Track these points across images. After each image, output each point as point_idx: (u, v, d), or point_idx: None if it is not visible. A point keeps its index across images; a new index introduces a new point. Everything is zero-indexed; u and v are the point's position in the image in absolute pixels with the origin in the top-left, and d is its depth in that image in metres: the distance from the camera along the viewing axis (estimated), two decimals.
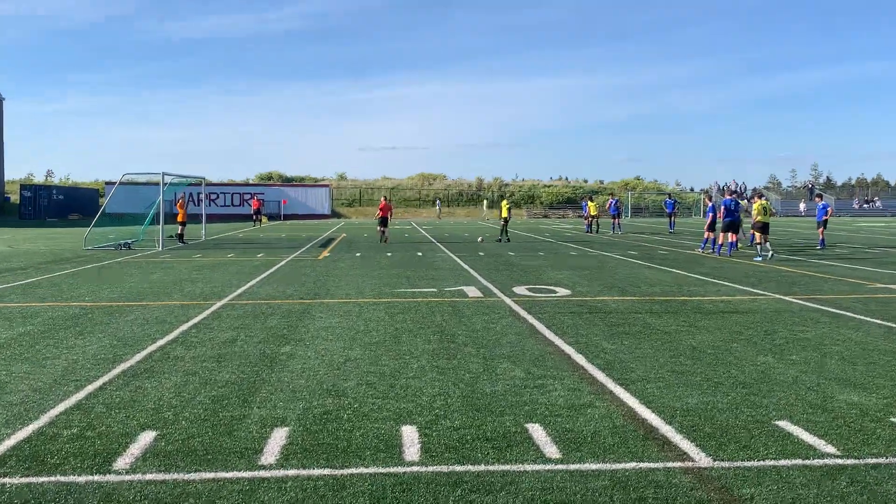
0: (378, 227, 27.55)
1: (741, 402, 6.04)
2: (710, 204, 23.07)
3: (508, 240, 27.75)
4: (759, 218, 20.34)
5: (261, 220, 47.85)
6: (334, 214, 67.30)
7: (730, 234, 21.01)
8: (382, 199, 28.80)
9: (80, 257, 20.44)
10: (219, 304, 11.47)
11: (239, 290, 13.09)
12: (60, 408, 5.88)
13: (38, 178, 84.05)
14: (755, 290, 13.13)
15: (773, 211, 54.43)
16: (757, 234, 20.40)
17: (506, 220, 27.85)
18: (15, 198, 63.51)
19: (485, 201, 68.38)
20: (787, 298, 12.14)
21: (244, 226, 45.43)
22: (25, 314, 10.45)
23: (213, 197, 64.10)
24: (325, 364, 7.37)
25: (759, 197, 21.56)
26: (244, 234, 34.91)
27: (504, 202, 28.38)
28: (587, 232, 35.25)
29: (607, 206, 38.62)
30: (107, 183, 67.97)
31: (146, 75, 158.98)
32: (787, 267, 17.64)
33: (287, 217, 62.09)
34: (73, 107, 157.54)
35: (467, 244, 26.65)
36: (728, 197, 21.62)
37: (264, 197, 61.21)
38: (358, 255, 21.50)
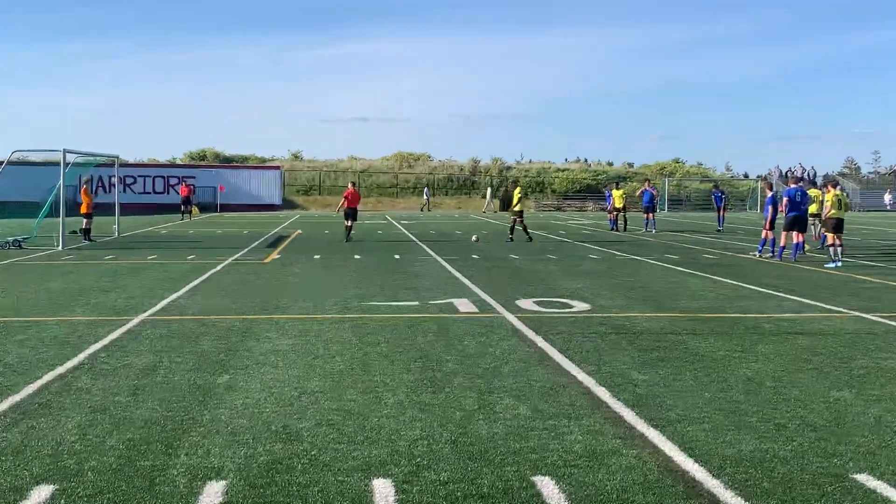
0: (346, 222, 27.56)
1: (809, 450, 6.07)
2: (769, 195, 23.18)
3: (511, 238, 27.79)
4: (832, 213, 20.40)
5: (191, 212, 47.76)
6: (287, 205, 67.14)
7: (794, 232, 21.13)
8: (350, 185, 28.78)
9: None
10: (137, 320, 11.44)
11: (163, 303, 13.06)
12: None
13: None
14: (828, 306, 13.20)
15: (850, 204, 54.85)
16: (829, 234, 20.48)
17: (519, 214, 27.77)
18: None
19: (488, 189, 67.12)
20: (868, 317, 12.21)
21: (170, 219, 45.28)
22: None
23: (129, 181, 63.79)
24: (274, 399, 7.36)
25: (833, 186, 21.65)
26: (169, 230, 34.82)
27: (517, 190, 28.37)
28: (612, 229, 35.43)
29: (638, 195, 38.64)
30: None
31: (41, 26, 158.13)
32: (869, 276, 17.76)
33: (225, 208, 61.87)
34: None
35: (458, 244, 26.64)
36: (793, 185, 21.74)
37: (196, 182, 60.94)
38: (317, 257, 21.49)
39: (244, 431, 6.40)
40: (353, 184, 29.38)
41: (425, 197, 65.83)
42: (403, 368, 8.56)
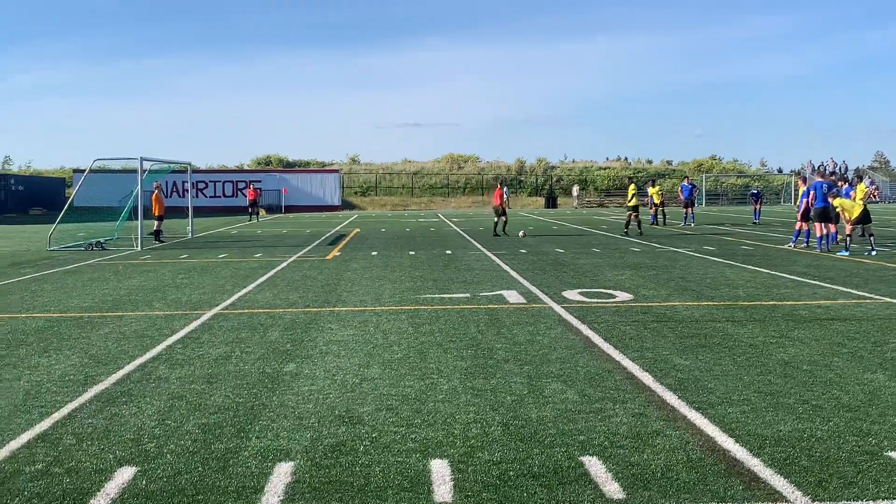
0: (499, 218, 29.47)
1: (845, 430, 5.97)
2: (804, 188, 22.93)
3: (641, 232, 28.62)
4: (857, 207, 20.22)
5: (258, 214, 48.29)
6: (345, 205, 67.68)
7: (822, 223, 20.85)
8: (498, 186, 30.61)
9: (43, 259, 20.73)
10: (209, 314, 11.59)
11: (233, 298, 13.21)
12: (22, 439, 5.97)
13: None
14: (860, 293, 12.98)
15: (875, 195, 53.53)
16: (848, 226, 20.20)
17: (635, 209, 28.52)
18: None
19: (575, 186, 69.35)
20: None
21: (238, 220, 45.87)
22: None
23: (200, 186, 64.82)
24: (337, 385, 7.41)
25: (861, 179, 21.41)
26: (238, 231, 35.26)
27: (632, 187, 28.78)
28: (652, 223, 35.14)
29: (679, 191, 38.31)
30: (75, 171, 69.06)
31: (118, 44, 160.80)
32: None
33: (289, 209, 62.58)
34: (33, 81, 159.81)
35: (506, 240, 26.62)
36: (818, 179, 21.49)
37: (262, 185, 61.80)
38: (374, 254, 21.63)
39: (310, 416, 6.46)
40: (502, 183, 31.61)
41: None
42: (457, 356, 8.58)
